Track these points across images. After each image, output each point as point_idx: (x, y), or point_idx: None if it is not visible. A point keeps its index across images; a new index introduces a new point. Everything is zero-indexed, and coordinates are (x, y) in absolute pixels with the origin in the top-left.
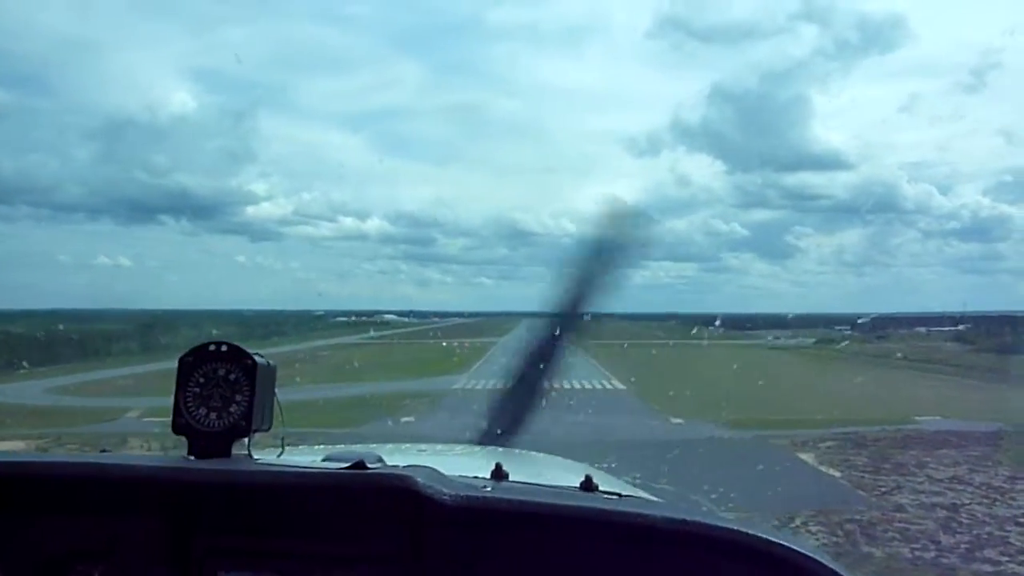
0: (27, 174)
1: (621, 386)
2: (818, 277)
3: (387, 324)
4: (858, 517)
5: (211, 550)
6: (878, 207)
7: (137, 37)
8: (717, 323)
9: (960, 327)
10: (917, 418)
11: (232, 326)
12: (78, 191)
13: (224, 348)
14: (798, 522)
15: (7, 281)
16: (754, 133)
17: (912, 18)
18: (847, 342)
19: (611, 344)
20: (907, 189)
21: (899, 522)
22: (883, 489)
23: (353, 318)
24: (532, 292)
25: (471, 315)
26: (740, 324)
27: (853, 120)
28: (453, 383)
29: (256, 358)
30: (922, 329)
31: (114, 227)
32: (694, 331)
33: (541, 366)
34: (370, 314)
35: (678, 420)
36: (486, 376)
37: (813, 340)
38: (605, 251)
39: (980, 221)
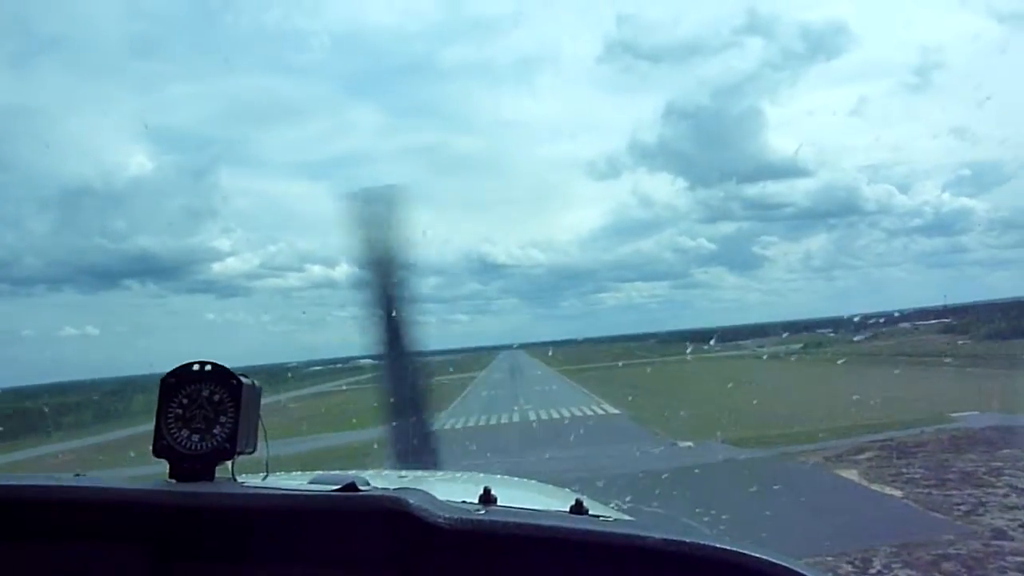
0: None
1: (614, 410)
2: (788, 284)
3: (361, 369)
4: (953, 552)
5: None
6: (841, 211)
7: (85, 101)
8: (712, 341)
9: (946, 320)
10: (953, 415)
11: None
12: (37, 263)
13: (208, 368)
14: (878, 565)
15: None
16: (712, 148)
17: (853, 23)
18: (837, 344)
19: (594, 368)
20: (867, 191)
21: (1011, 553)
22: (963, 508)
23: (327, 366)
24: (507, 324)
25: (449, 352)
26: (720, 337)
27: (807, 127)
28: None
29: (241, 379)
30: (906, 325)
31: (78, 296)
32: (676, 348)
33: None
34: (344, 360)
35: (687, 443)
36: (466, 413)
37: (800, 345)
38: (383, 270)
39: (942, 216)
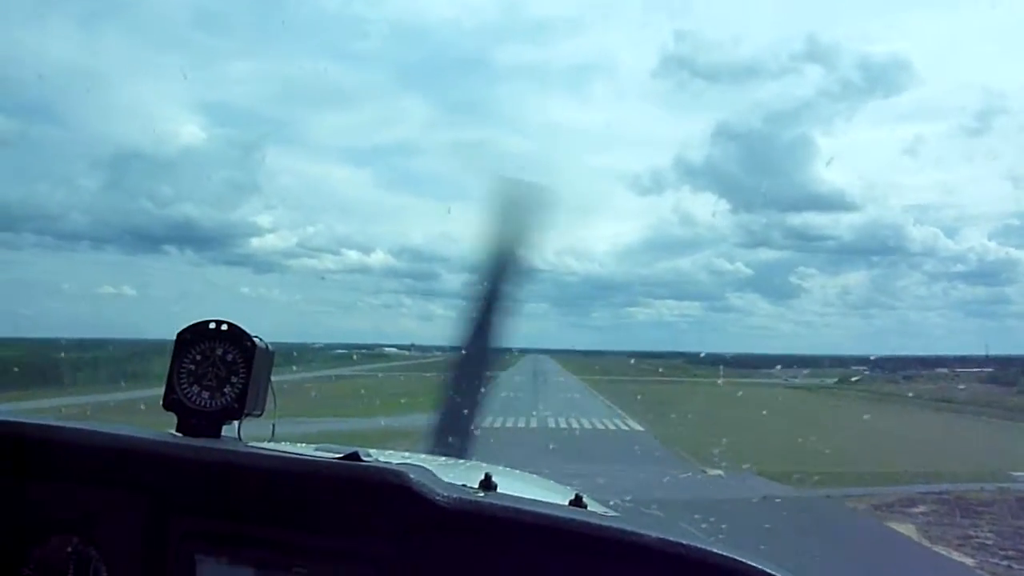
0: (33, 203)
1: (638, 427)
2: (822, 318)
3: (385, 357)
4: None
5: (190, 532)
6: (883, 249)
7: (145, 69)
8: (741, 367)
9: (988, 369)
10: (1015, 474)
11: None
12: (83, 220)
13: (224, 327)
14: None
15: (10, 309)
16: (758, 173)
17: (916, 61)
18: (874, 382)
19: (620, 380)
20: (913, 231)
21: None
22: None
23: (352, 351)
24: (535, 328)
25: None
26: (748, 363)
27: (858, 161)
28: None
29: (256, 341)
30: (943, 370)
31: (119, 256)
32: (705, 370)
33: (464, 398)
34: (370, 347)
35: (716, 472)
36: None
37: (835, 380)
38: (504, 263)
39: (986, 264)
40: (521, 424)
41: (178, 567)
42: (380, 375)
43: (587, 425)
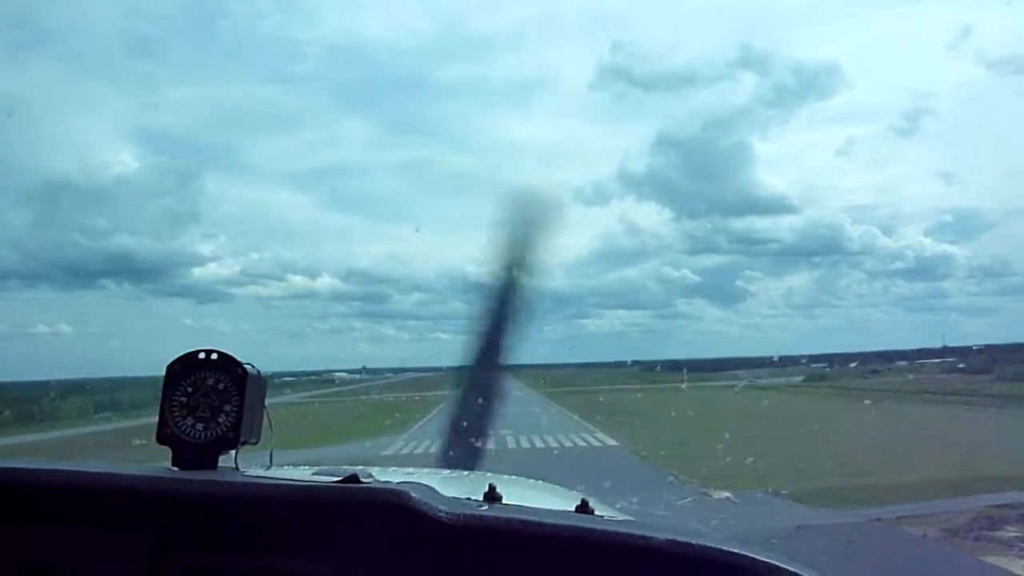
0: None
1: (611, 441)
2: (769, 320)
3: (333, 382)
4: None
5: (192, 568)
6: (824, 249)
7: (76, 98)
8: (700, 371)
9: (949, 359)
10: None
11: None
12: (12, 257)
13: (214, 356)
14: None
15: None
16: (700, 179)
17: (846, 65)
18: (842, 378)
19: (581, 391)
20: (851, 231)
21: None
22: None
23: (299, 378)
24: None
25: (428, 370)
26: (704, 367)
27: (795, 164)
28: (386, 446)
29: (247, 367)
30: (903, 363)
31: (53, 294)
32: (664, 376)
33: (473, 415)
34: (319, 373)
35: (723, 493)
36: (429, 436)
37: (801, 378)
38: (512, 278)
39: (924, 260)
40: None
41: None
42: (316, 404)
43: (552, 443)
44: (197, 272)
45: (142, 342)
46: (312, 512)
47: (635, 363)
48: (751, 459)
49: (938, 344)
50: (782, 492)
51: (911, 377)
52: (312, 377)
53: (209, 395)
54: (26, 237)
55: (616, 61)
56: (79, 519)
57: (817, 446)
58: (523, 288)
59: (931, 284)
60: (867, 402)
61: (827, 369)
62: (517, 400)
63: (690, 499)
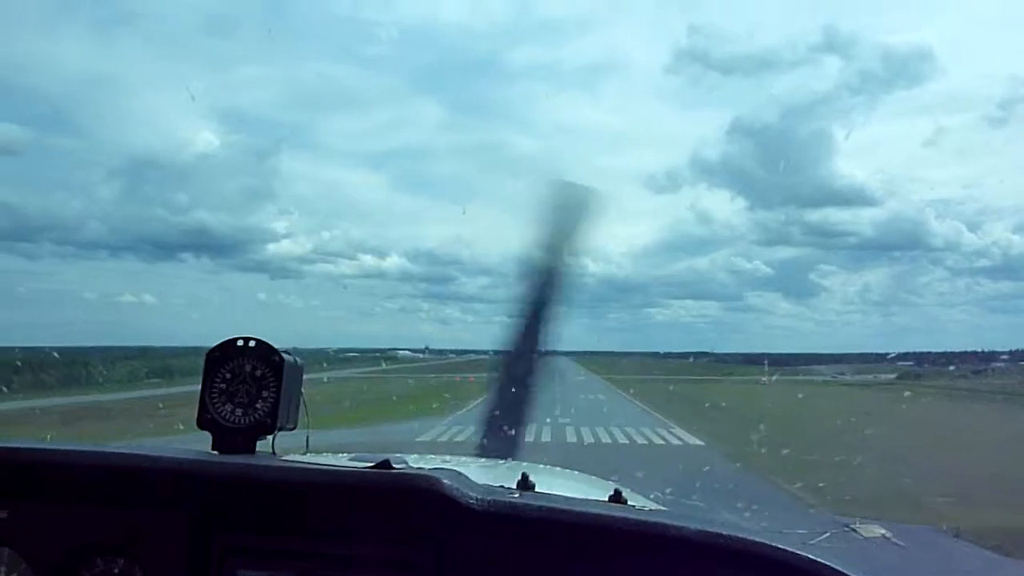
0: (51, 212)
1: (694, 439)
2: (842, 316)
3: (397, 360)
4: None
5: (231, 548)
6: (905, 244)
7: (160, 76)
8: (775, 365)
9: None
10: None
11: None
12: (101, 229)
13: (252, 344)
14: None
15: (32, 319)
16: (776, 168)
17: (938, 50)
18: (940, 377)
19: (649, 380)
20: (935, 226)
21: None
22: None
23: (364, 355)
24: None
25: (489, 352)
26: (777, 362)
27: (878, 155)
28: (428, 428)
29: (284, 356)
30: (999, 364)
31: (138, 264)
32: (739, 369)
33: (511, 402)
34: (384, 351)
35: (877, 530)
36: (476, 422)
37: (893, 376)
38: (552, 267)
39: (1011, 259)
40: (528, 439)
41: None
42: (395, 376)
43: (622, 439)
44: (271, 248)
45: (215, 313)
46: (345, 496)
47: (703, 354)
48: (884, 476)
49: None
50: (966, 532)
51: (1018, 380)
52: (376, 355)
53: (247, 382)
54: (113, 210)
55: (692, 44)
56: (126, 499)
57: (972, 461)
58: (562, 274)
59: (1018, 284)
60: (991, 405)
61: (912, 366)
62: (578, 386)
63: (827, 534)
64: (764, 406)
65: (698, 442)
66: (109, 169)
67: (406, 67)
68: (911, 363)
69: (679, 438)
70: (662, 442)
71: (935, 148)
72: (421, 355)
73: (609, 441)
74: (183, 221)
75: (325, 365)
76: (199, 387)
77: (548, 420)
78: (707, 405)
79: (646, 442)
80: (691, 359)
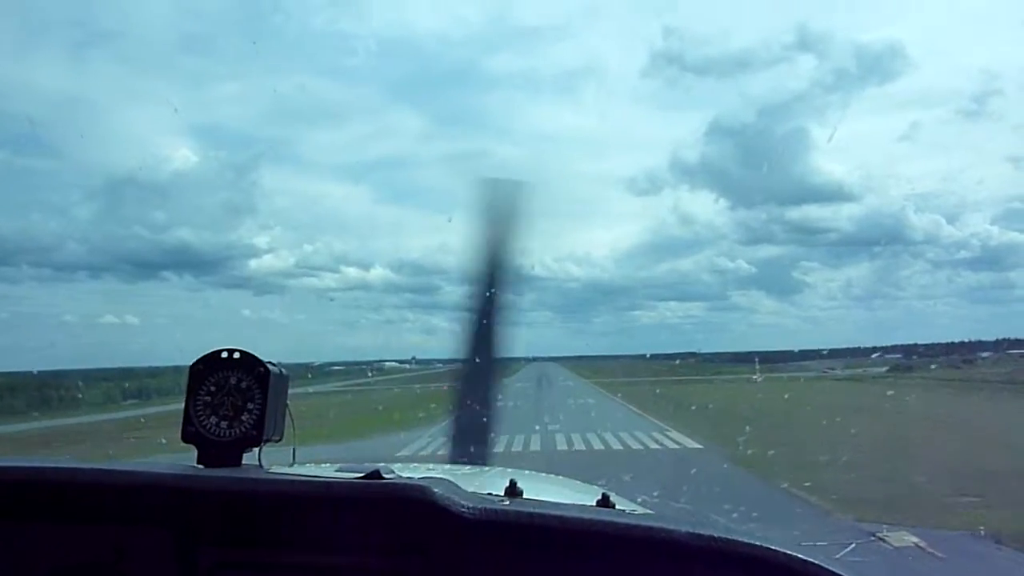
0: (27, 234)
1: (691, 442)
2: (827, 312)
3: (383, 371)
4: None
5: (220, 563)
6: (885, 239)
7: (136, 95)
8: (761, 363)
9: None
10: None
11: None
12: (79, 250)
13: (236, 355)
14: None
15: (13, 343)
16: (755, 168)
17: (910, 46)
18: (931, 370)
19: (638, 382)
20: (914, 219)
21: None
22: None
23: (350, 367)
24: (537, 335)
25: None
26: (766, 359)
27: (855, 151)
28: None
29: (269, 367)
30: (986, 354)
31: (118, 285)
32: (727, 368)
33: (476, 407)
34: (370, 363)
35: (908, 537)
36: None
37: (884, 369)
38: (496, 268)
39: (990, 250)
40: (516, 448)
41: None
42: (360, 389)
43: (615, 444)
44: (254, 264)
45: (199, 331)
46: (334, 507)
47: (691, 355)
48: (897, 475)
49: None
50: (1002, 535)
51: (1010, 369)
52: (363, 366)
53: (232, 394)
54: (92, 231)
55: (668, 46)
56: (110, 516)
57: (984, 455)
58: (507, 275)
59: (998, 274)
60: (990, 394)
61: (900, 359)
62: (566, 391)
63: (852, 545)
64: (759, 405)
65: (695, 445)
66: (86, 189)
67: (384, 78)
68: (899, 356)
69: (675, 440)
70: (657, 446)
71: (911, 143)
72: (408, 365)
73: (601, 447)
74: (163, 240)
75: (310, 378)
76: (177, 407)
77: (537, 427)
78: (698, 407)
79: (640, 447)
80: (677, 360)
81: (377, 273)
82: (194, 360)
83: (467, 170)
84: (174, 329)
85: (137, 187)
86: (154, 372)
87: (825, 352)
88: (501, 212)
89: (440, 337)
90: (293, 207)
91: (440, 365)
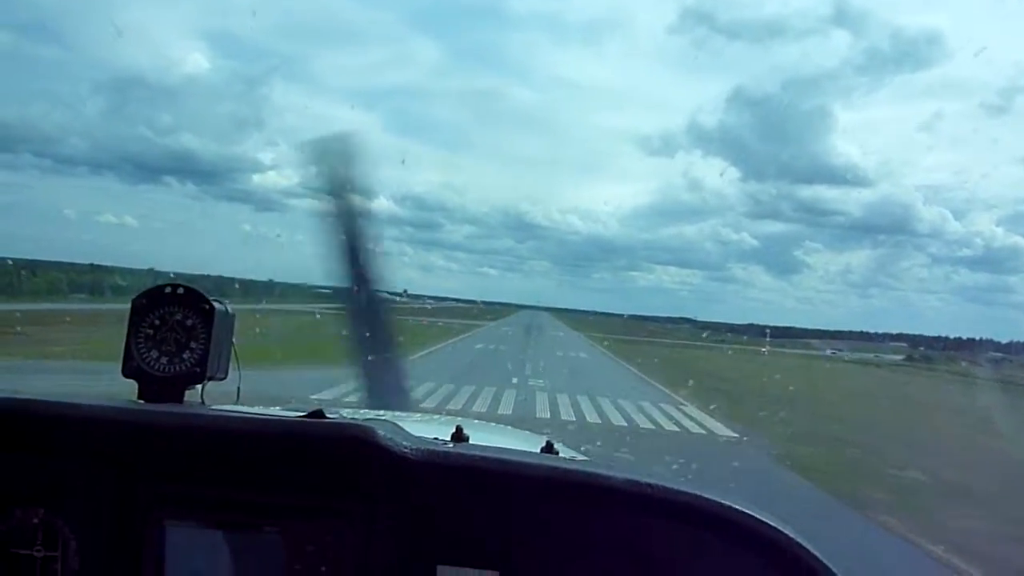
0: (31, 123)
1: (724, 429)
2: (821, 294)
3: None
4: None
5: (158, 497)
6: (891, 228)
7: None
8: (767, 337)
9: None
10: None
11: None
12: (83, 144)
13: (180, 291)
14: None
15: (12, 231)
16: (772, 141)
17: (948, 34)
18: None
19: (639, 343)
20: (922, 211)
21: None
22: None
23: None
24: (535, 286)
25: (468, 302)
26: (772, 334)
27: (874, 136)
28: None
29: (214, 303)
30: (996, 354)
31: (119, 185)
32: (730, 337)
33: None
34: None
35: None
36: (430, 374)
37: (901, 356)
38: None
39: (992, 251)
40: (478, 406)
41: (148, 534)
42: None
43: (616, 418)
44: (256, 179)
45: (197, 241)
46: (276, 445)
47: (686, 320)
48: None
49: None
50: None
51: None
52: (385, 298)
53: (176, 330)
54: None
55: (700, 3)
56: (46, 448)
57: None
58: (358, 215)
59: (996, 277)
60: None
61: (904, 347)
62: (556, 342)
63: None
64: (779, 382)
65: (730, 433)
66: (94, 83)
67: (406, 3)
68: (904, 344)
69: (699, 424)
70: (675, 428)
71: (930, 133)
72: (397, 298)
73: (597, 420)
74: (168, 143)
75: (292, 298)
76: (123, 306)
77: (515, 380)
78: (715, 378)
79: (651, 426)
80: (673, 324)
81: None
82: (168, 272)
83: (482, 109)
84: (171, 236)
85: (145, 87)
86: (126, 272)
87: (828, 333)
88: (332, 166)
89: (435, 275)
90: (301, 126)
91: (431, 301)
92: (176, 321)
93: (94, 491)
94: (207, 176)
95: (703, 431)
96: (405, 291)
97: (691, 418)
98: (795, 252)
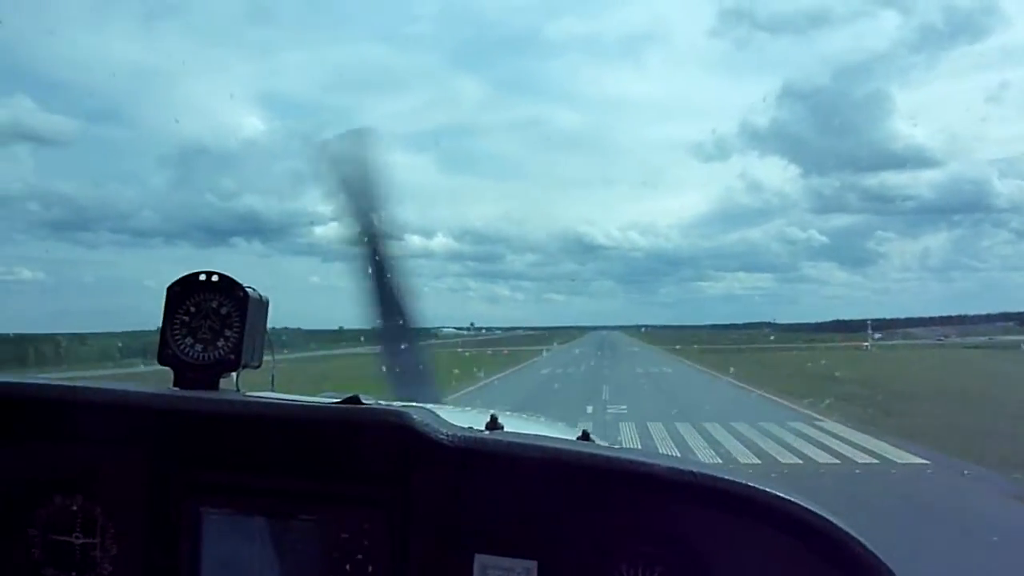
0: (106, 201)
1: (894, 451)
2: (900, 284)
3: (439, 336)
4: None
5: (194, 484)
6: (966, 206)
7: (204, 66)
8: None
9: None
10: None
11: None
12: (154, 217)
13: (215, 278)
14: None
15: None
16: (829, 133)
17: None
18: None
19: (722, 351)
20: (998, 185)
21: None
22: None
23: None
24: (603, 307)
25: (537, 329)
26: (851, 328)
27: (938, 114)
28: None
29: (248, 291)
30: None
31: (192, 250)
32: (818, 338)
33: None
34: (428, 330)
35: None
36: (494, 400)
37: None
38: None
39: None
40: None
41: (183, 520)
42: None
43: (741, 453)
44: (319, 231)
45: (275, 297)
46: (311, 432)
47: (766, 325)
48: None
49: None
50: None
51: None
52: (419, 332)
53: (210, 317)
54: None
55: (738, 2)
56: (84, 435)
57: None
58: (385, 244)
59: None
60: None
61: (1013, 326)
62: (633, 358)
63: None
64: (927, 379)
65: (904, 455)
66: (160, 158)
67: (446, 46)
68: (1012, 324)
69: (853, 444)
70: (829, 457)
71: (998, 104)
72: (465, 332)
73: (713, 457)
74: (232, 206)
75: (363, 341)
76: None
77: (590, 409)
78: (835, 379)
79: (795, 459)
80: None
81: (440, 241)
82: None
83: (531, 137)
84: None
85: (207, 155)
86: None
87: (924, 320)
88: (348, 170)
89: (502, 305)
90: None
91: (500, 332)
92: (211, 308)
93: (130, 478)
94: (272, 233)
95: (870, 458)
96: (472, 324)
97: (840, 438)
98: (867, 243)
